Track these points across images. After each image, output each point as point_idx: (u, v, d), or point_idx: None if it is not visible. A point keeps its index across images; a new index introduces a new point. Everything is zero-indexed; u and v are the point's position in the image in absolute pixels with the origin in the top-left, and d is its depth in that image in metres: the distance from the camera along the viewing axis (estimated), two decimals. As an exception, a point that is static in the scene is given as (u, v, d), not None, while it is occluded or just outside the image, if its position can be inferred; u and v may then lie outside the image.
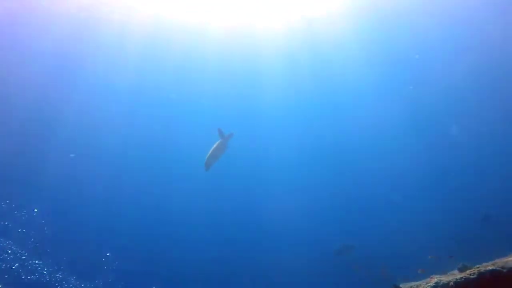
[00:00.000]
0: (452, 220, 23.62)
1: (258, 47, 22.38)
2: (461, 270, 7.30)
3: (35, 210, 21.33)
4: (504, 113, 26.23)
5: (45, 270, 17.74)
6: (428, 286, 7.24)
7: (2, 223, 19.38)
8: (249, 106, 26.92)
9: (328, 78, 25.00)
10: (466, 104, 26.45)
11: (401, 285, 7.93)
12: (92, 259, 21.95)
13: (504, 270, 6.61)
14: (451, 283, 6.80)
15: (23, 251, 17.43)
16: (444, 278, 7.20)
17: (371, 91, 26.18)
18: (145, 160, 28.35)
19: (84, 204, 26.78)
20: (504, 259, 7.11)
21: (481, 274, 6.69)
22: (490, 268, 6.76)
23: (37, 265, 17.51)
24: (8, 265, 16.93)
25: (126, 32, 21.04)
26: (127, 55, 22.73)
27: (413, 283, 7.85)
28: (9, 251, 17.15)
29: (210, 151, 12.85)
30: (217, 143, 12.72)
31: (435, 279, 7.37)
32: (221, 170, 15.82)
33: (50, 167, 25.70)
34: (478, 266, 7.05)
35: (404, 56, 24.13)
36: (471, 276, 6.73)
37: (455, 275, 7.11)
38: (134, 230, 27.00)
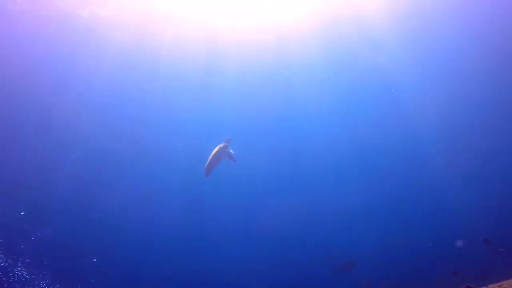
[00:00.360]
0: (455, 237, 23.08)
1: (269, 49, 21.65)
2: (466, 291, 6.99)
3: (22, 213, 21.02)
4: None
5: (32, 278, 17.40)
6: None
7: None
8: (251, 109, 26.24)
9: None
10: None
11: None
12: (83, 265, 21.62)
13: (511, 293, 6.27)
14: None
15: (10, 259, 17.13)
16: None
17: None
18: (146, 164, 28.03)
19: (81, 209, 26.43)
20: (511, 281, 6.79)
21: (487, 296, 6.36)
22: (496, 290, 6.43)
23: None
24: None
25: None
26: (130, 56, 22.35)
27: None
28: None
29: (209, 158, 12.62)
30: (215, 149, 12.49)
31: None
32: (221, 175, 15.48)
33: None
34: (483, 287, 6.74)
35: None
36: (477, 298, 6.40)
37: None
38: (132, 234, 26.68)
